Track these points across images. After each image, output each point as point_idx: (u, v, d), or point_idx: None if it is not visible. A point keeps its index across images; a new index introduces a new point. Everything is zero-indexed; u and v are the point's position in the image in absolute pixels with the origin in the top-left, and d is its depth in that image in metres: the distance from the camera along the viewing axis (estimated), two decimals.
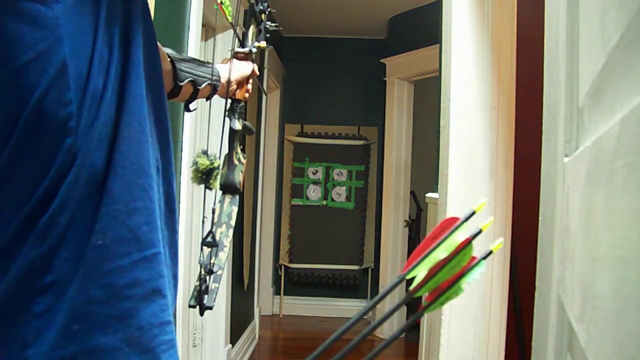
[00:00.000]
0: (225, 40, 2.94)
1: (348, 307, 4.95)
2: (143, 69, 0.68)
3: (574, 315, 0.52)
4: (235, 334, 3.39)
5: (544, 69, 0.80)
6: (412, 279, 0.73)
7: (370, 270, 5.07)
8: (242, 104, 1.23)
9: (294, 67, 5.14)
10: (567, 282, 0.58)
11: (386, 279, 4.59)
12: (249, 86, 1.24)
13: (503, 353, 2.07)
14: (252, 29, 1.26)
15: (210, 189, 1.07)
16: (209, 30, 2.91)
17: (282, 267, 5.09)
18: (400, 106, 4.65)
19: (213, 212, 1.13)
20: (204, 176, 1.05)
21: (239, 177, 1.17)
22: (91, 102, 0.62)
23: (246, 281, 3.82)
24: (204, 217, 1.07)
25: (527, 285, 2.39)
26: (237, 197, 1.18)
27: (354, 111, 5.18)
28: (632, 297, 0.32)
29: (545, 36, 0.81)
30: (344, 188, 5.10)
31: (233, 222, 1.15)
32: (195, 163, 1.06)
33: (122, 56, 0.64)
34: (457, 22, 2.09)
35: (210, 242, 1.07)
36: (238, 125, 1.21)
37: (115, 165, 0.63)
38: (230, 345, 3.18)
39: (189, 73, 1.02)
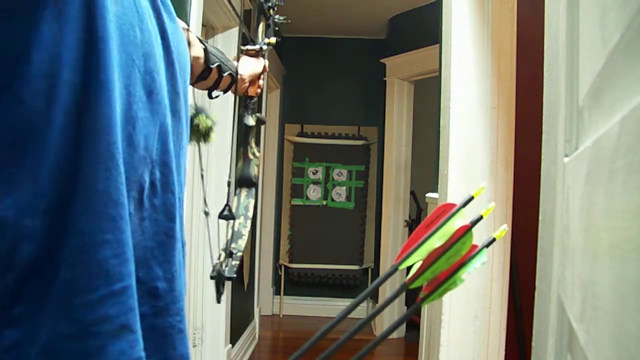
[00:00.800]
0: (226, 40, 2.94)
1: None
2: (130, 82, 0.65)
3: (574, 315, 0.52)
4: (235, 334, 3.39)
5: (544, 69, 0.80)
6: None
7: (370, 270, 5.07)
8: (255, 99, 1.26)
9: (294, 67, 5.14)
10: (567, 282, 0.58)
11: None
12: (261, 82, 1.27)
13: (503, 353, 2.07)
14: (261, 26, 1.29)
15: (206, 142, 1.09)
16: (209, 30, 2.91)
17: (282, 267, 5.09)
18: (400, 106, 4.65)
19: (229, 185, 1.16)
20: (202, 136, 1.07)
21: (254, 170, 1.21)
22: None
23: (246, 281, 3.82)
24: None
25: (527, 285, 2.39)
26: (254, 190, 1.21)
27: (354, 111, 5.18)
28: (632, 297, 0.32)
29: (545, 36, 0.81)
30: (344, 188, 5.10)
31: (250, 214, 1.18)
32: (196, 124, 1.07)
33: (83, 74, 0.60)
34: (457, 22, 2.09)
35: (227, 215, 1.10)
36: (252, 121, 1.24)
37: (80, 196, 0.60)
38: (230, 345, 3.18)
39: (217, 58, 1.07)
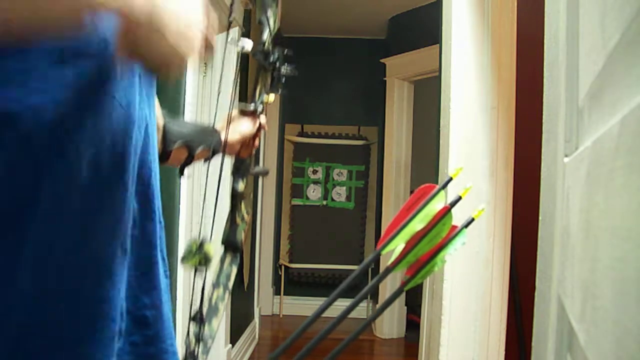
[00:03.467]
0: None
1: None
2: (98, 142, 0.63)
3: (574, 315, 0.52)
4: (235, 334, 3.39)
5: (544, 69, 0.80)
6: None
7: (370, 270, 5.06)
8: (247, 162, 1.15)
9: (293, 67, 5.13)
10: (567, 282, 0.57)
11: (386, 279, 4.59)
12: (256, 142, 1.15)
13: (503, 353, 2.07)
14: (259, 85, 1.18)
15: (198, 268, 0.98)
16: None
17: (282, 267, 5.09)
18: (400, 106, 4.65)
19: (204, 285, 1.02)
20: (206, 262, 0.96)
21: (240, 236, 1.11)
22: None
23: (246, 281, 3.82)
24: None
25: (527, 285, 2.39)
26: (238, 256, 1.11)
27: (354, 111, 5.18)
28: (632, 297, 0.32)
29: (545, 36, 0.81)
30: (344, 188, 5.10)
31: (231, 285, 1.08)
32: (206, 252, 0.94)
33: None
34: (457, 22, 2.09)
35: (198, 319, 0.97)
36: (241, 185, 1.12)
37: (50, 294, 0.59)
38: (230, 345, 3.18)
39: (180, 137, 0.96)
